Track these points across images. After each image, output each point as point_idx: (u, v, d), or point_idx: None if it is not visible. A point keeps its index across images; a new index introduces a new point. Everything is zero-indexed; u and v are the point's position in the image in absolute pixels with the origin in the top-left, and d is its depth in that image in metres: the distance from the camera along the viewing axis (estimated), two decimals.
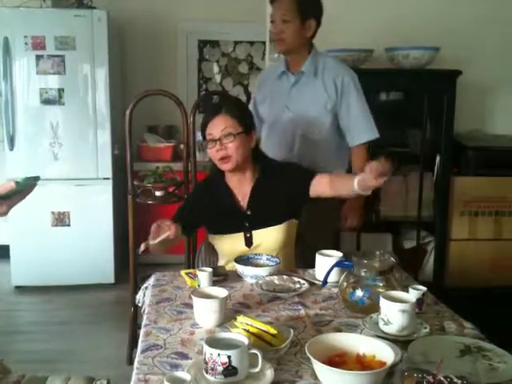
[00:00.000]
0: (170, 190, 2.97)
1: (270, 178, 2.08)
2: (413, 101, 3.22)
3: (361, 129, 2.52)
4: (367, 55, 3.01)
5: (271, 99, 2.60)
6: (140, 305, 1.86)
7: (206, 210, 2.11)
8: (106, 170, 3.89)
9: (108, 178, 3.89)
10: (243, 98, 5.18)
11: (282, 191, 2.05)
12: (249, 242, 2.07)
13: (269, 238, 2.05)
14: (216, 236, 2.13)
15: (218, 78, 5.25)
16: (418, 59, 2.96)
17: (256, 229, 2.06)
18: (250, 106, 2.67)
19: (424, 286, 1.62)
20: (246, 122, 2.04)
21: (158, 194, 2.93)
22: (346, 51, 2.97)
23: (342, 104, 2.48)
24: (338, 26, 3.27)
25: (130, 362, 2.81)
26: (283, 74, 2.56)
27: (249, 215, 2.08)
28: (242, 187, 2.11)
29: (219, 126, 1.99)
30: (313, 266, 1.88)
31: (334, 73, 2.47)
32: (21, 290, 3.74)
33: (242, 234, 2.07)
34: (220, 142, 1.99)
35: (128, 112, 2.75)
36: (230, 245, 2.08)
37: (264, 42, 3.65)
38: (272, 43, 2.57)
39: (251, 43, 5.15)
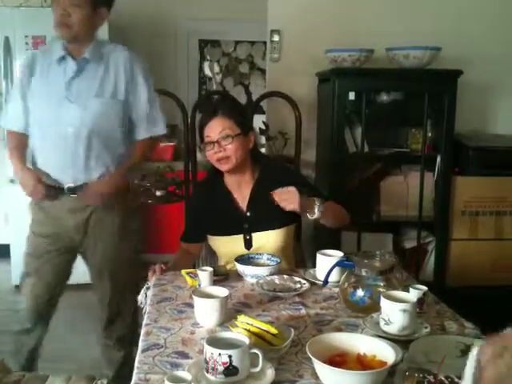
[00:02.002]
0: (171, 189, 2.97)
1: (269, 179, 2.06)
2: (413, 101, 3.22)
3: (148, 121, 2.29)
4: (368, 55, 3.01)
5: (46, 90, 2.19)
6: (142, 306, 1.85)
7: (206, 213, 2.11)
8: None
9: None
10: (244, 97, 5.19)
11: None
12: (248, 244, 2.06)
13: (269, 241, 2.04)
14: (215, 238, 2.12)
15: (218, 77, 5.25)
16: (418, 59, 2.96)
17: (256, 231, 2.05)
18: (15, 97, 2.27)
19: (425, 285, 1.62)
20: (243, 123, 2.03)
21: (158, 193, 2.94)
22: (347, 51, 2.97)
23: (130, 93, 2.23)
24: (338, 26, 3.28)
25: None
26: (62, 60, 2.19)
27: (248, 217, 2.08)
28: (240, 189, 2.10)
29: (217, 128, 1.98)
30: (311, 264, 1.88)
31: (121, 59, 2.22)
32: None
33: (241, 236, 2.06)
34: (218, 144, 1.98)
35: None
36: (229, 247, 2.07)
37: (265, 42, 3.65)
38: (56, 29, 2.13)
39: (252, 43, 5.16)
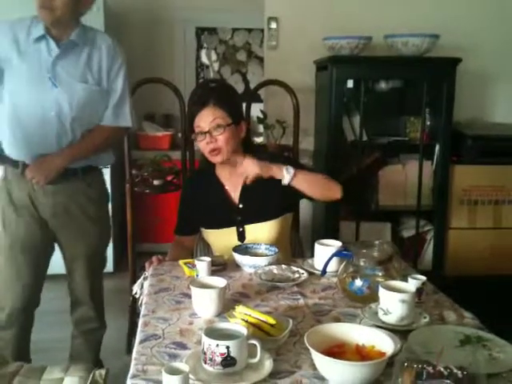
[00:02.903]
0: (168, 178, 2.96)
1: None
2: (412, 89, 3.21)
3: (116, 110, 2.22)
4: (366, 42, 2.98)
5: (26, 69, 2.07)
6: (137, 296, 1.84)
7: (197, 205, 2.09)
8: None
9: (106, 167, 3.85)
10: (241, 86, 5.16)
11: (274, 184, 1.94)
12: (241, 236, 2.04)
13: (262, 233, 2.01)
14: (208, 230, 2.10)
15: (215, 65, 5.22)
16: (417, 46, 2.94)
17: (249, 223, 2.03)
18: None
19: (423, 274, 1.61)
20: (235, 112, 2.00)
21: (155, 182, 2.92)
22: (345, 38, 2.95)
23: (108, 79, 2.18)
24: (336, 13, 3.25)
25: (129, 351, 2.81)
26: (42, 39, 2.08)
27: (240, 209, 2.05)
28: (232, 180, 2.07)
29: (208, 117, 1.95)
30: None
31: (105, 46, 2.16)
32: None
33: (234, 229, 2.04)
34: (210, 135, 1.95)
35: None
36: (222, 240, 2.05)
37: (262, 30, 3.62)
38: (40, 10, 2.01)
39: (249, 30, 5.12)
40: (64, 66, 2.10)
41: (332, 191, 1.99)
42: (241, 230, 2.04)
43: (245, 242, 2.02)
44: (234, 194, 2.07)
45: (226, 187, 2.08)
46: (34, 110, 2.08)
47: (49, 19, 2.04)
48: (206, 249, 2.23)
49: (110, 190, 3.81)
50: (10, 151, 2.18)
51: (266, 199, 2.01)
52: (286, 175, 1.89)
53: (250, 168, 1.90)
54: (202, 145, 1.98)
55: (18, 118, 2.11)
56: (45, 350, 2.55)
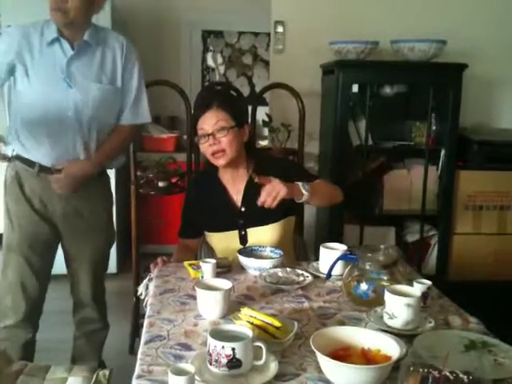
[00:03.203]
0: (173, 180, 2.96)
1: (263, 173, 1.99)
2: (418, 94, 3.21)
3: (134, 108, 2.23)
4: (372, 47, 2.99)
5: (42, 71, 2.09)
6: (142, 297, 1.85)
7: (200, 209, 2.10)
8: None
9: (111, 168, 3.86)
10: (247, 89, 5.17)
11: None
12: (244, 240, 2.04)
13: (264, 236, 2.01)
14: (210, 233, 2.10)
15: (221, 68, 5.23)
16: (423, 52, 2.94)
17: (251, 226, 2.03)
18: None
19: (427, 279, 1.61)
20: (238, 115, 2.00)
21: (160, 184, 2.93)
22: (351, 43, 2.95)
23: (123, 80, 2.19)
24: (343, 17, 3.25)
25: (132, 351, 2.82)
26: (55, 42, 2.09)
27: (243, 212, 2.05)
28: (235, 183, 2.07)
29: (211, 120, 1.94)
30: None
31: (118, 45, 2.18)
32: None
33: (236, 232, 2.04)
34: (213, 137, 1.94)
35: None
36: (224, 243, 2.05)
37: (268, 33, 3.63)
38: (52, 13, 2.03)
39: (255, 34, 5.13)
40: (78, 66, 2.11)
41: (338, 198, 2.05)
42: (243, 233, 2.04)
43: (247, 245, 2.02)
44: (237, 197, 2.07)
45: (229, 191, 2.08)
46: (50, 111, 2.08)
47: (62, 21, 2.05)
48: (211, 252, 2.22)
49: (114, 192, 3.85)
50: (24, 152, 2.18)
51: None
52: (304, 193, 1.85)
53: (282, 191, 1.78)
54: (205, 147, 1.98)
55: (34, 120, 2.10)
56: (47, 349, 2.55)
